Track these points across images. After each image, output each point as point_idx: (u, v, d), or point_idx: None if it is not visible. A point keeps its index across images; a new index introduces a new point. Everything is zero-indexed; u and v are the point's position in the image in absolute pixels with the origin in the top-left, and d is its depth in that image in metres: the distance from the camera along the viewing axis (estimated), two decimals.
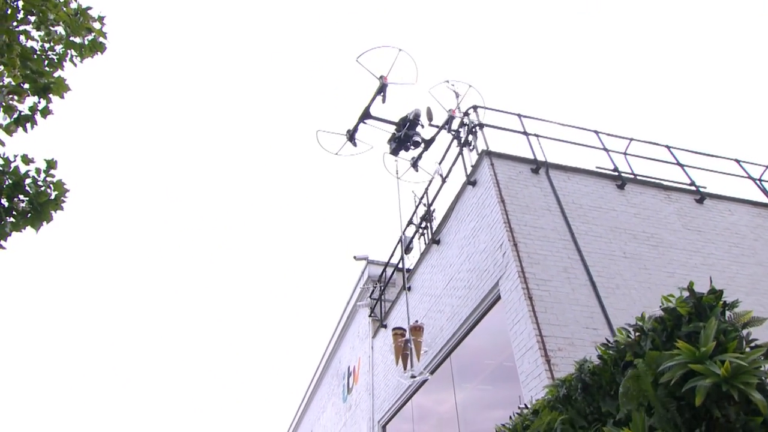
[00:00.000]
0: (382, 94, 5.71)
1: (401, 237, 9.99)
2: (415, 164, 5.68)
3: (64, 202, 4.06)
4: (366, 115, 5.79)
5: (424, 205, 9.44)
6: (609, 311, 5.71)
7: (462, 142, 7.94)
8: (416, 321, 4.61)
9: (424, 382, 7.65)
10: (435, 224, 8.87)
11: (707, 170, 8.58)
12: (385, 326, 10.03)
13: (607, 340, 2.03)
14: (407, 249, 9.86)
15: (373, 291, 11.06)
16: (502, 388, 6.71)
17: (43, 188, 3.74)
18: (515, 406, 5.60)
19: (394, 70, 5.53)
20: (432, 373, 7.83)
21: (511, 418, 2.70)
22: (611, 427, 1.86)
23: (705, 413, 1.55)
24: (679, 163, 8.38)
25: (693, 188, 8.03)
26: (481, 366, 7.14)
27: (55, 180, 3.97)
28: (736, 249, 7.24)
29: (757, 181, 8.75)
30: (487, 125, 7.74)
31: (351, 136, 5.80)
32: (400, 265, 9.76)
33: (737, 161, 8.89)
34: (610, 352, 1.97)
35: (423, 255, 8.91)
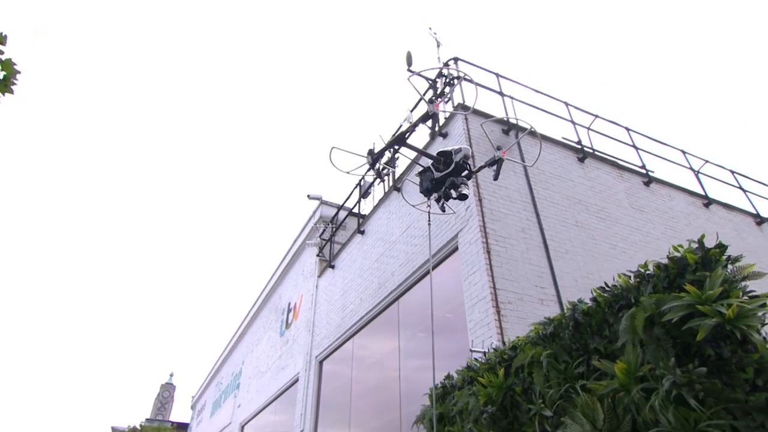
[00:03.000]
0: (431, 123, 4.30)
1: (360, 182, 9.91)
2: (443, 207, 4.27)
3: (14, 84, 3.60)
4: (398, 141, 4.54)
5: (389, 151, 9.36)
6: (557, 273, 6.07)
7: (437, 92, 7.86)
8: None
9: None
10: (398, 171, 8.87)
11: (657, 156, 9.12)
12: (332, 267, 10.09)
13: (606, 283, 2.15)
14: (365, 194, 9.83)
15: (323, 231, 11.01)
16: (443, 337, 7.03)
17: None
18: (458, 353, 5.91)
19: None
20: (377, 315, 8.05)
21: (485, 354, 2.83)
22: (598, 361, 2.01)
23: (696, 351, 1.71)
24: (634, 146, 8.84)
25: (643, 171, 8.53)
26: (426, 314, 7.41)
27: (3, 57, 3.49)
28: (670, 231, 7.86)
29: (696, 173, 9.43)
30: (465, 79, 7.68)
31: (374, 161, 4.54)
32: (354, 209, 9.71)
33: (683, 152, 9.51)
34: (605, 295, 2.09)
35: (381, 200, 8.93)
